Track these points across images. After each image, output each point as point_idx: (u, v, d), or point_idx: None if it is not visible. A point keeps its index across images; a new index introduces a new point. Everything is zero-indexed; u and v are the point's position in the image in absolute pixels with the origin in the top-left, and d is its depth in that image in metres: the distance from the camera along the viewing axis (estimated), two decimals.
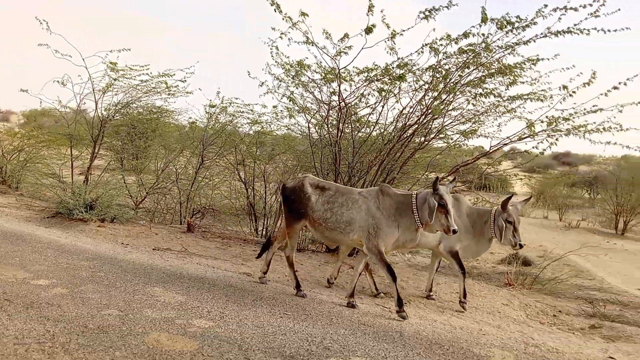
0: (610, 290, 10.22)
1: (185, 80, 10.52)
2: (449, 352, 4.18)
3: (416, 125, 7.80)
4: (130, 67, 10.28)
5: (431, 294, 6.30)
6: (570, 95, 6.47)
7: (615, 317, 7.25)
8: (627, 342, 5.45)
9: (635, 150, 6.69)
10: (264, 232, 10.16)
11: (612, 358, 4.66)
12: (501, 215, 5.74)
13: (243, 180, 10.62)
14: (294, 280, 5.66)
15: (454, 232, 4.88)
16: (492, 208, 5.99)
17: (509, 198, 5.77)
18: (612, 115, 6.37)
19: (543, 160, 41.33)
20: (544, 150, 6.76)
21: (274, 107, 9.16)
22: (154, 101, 11.49)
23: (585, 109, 6.48)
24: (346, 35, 7.07)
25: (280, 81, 7.90)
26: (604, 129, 6.38)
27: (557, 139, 6.65)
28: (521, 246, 5.68)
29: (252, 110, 10.14)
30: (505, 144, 7.30)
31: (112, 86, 10.48)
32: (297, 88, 7.94)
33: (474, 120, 7.83)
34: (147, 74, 10.41)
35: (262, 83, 7.90)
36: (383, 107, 8.01)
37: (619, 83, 6.22)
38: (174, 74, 10.44)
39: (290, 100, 7.79)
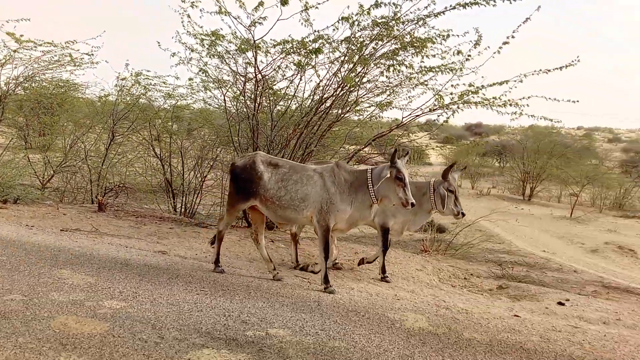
0: (517, 252, 10.90)
1: (92, 54, 9.94)
2: (365, 318, 4.28)
3: (333, 98, 7.82)
4: (33, 42, 9.57)
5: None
6: (467, 59, 6.70)
7: (521, 278, 7.74)
8: (530, 301, 5.83)
9: (540, 120, 7.07)
10: (182, 210, 9.92)
11: (517, 316, 4.97)
12: (442, 185, 5.75)
13: (159, 156, 10.27)
14: (215, 255, 5.54)
15: (412, 205, 4.84)
16: (430, 180, 6.03)
17: (450, 167, 5.78)
18: (514, 85, 6.67)
19: (456, 131, 43.09)
20: (447, 119, 7.01)
21: (190, 79, 8.86)
22: (60, 74, 10.80)
23: (492, 82, 6.75)
24: (261, 4, 6.91)
25: (193, 51, 7.63)
26: (508, 101, 6.69)
27: (457, 110, 6.90)
28: (463, 215, 5.69)
29: (164, 82, 9.76)
30: (417, 115, 7.49)
31: (12, 59, 9.73)
32: (211, 59, 7.71)
33: (388, 92, 7.96)
34: (49, 43, 9.73)
35: (174, 54, 7.60)
36: (300, 79, 7.97)
37: (507, 37, 6.53)
38: (78, 46, 9.83)
39: (203, 73, 7.56)
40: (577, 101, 7.05)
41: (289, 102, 8.34)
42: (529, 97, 6.69)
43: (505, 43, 6.63)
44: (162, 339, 3.50)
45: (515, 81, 6.72)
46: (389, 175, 4.85)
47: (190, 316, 3.95)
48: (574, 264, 10.33)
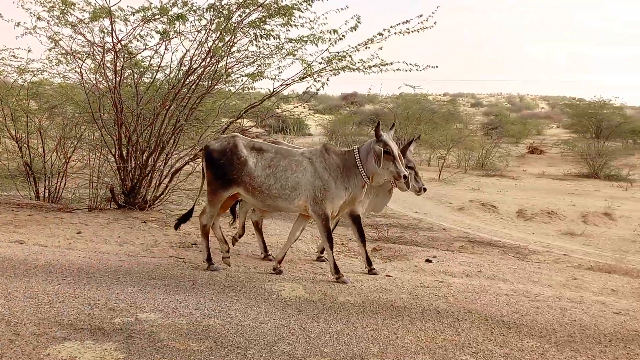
0: (392, 215, 11.42)
1: None
2: (242, 293, 4.23)
3: (202, 69, 7.53)
4: None
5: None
6: (340, 39, 6.77)
7: (396, 239, 8.12)
8: (401, 260, 6.12)
9: (410, 87, 7.35)
10: (46, 194, 9.13)
11: (388, 275, 5.19)
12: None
13: (15, 138, 9.29)
14: (205, 252, 5.03)
15: (405, 177, 4.63)
16: None
17: (410, 143, 5.45)
18: (378, 47, 6.83)
19: (333, 101, 44.02)
20: (318, 90, 7.07)
21: (50, 50, 8.02)
22: None
23: (356, 47, 6.85)
24: None
25: (39, 20, 6.90)
26: (375, 65, 6.86)
27: (327, 80, 6.98)
28: (425, 190, 5.35)
29: (14, 56, 8.77)
30: (288, 84, 7.46)
31: None
32: (62, 28, 7.04)
33: (259, 63, 7.81)
34: None
35: (18, 23, 6.84)
36: (166, 49, 7.55)
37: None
38: None
39: (53, 43, 6.90)
40: (437, 66, 7.41)
41: (155, 73, 7.91)
42: (391, 63, 6.90)
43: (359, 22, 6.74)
44: (17, 335, 3.21)
45: (379, 40, 6.85)
46: (377, 149, 4.59)
47: (50, 309, 3.65)
48: (443, 223, 11.05)
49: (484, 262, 6.18)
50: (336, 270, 4.80)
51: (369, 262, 5.29)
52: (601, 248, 9.10)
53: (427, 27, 6.74)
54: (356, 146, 4.88)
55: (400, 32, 6.78)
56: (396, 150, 4.63)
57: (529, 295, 4.63)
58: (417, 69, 7.16)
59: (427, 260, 5.95)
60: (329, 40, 6.88)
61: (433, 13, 6.67)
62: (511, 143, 24.94)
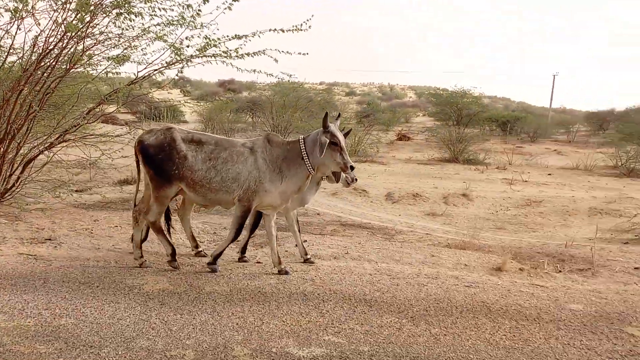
0: None
1: None
2: (99, 288, 3.99)
3: (58, 50, 6.93)
4: None
5: (308, 257, 5.32)
6: (198, 13, 6.56)
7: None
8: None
9: (285, 75, 7.31)
10: None
11: (259, 262, 5.18)
12: None
13: None
14: (169, 248, 4.73)
15: (352, 168, 4.53)
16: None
17: (347, 134, 5.19)
18: (248, 39, 6.75)
19: (210, 88, 43.06)
20: (181, 69, 6.84)
21: None
22: None
23: (228, 36, 6.71)
24: None
25: None
26: (247, 54, 6.75)
27: (187, 63, 6.77)
28: (356, 180, 5.24)
29: None
30: (156, 70, 7.12)
31: None
32: None
33: (125, 45, 7.36)
34: None
35: None
36: (19, 28, 6.84)
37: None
38: None
39: None
40: (307, 53, 7.47)
41: (6, 56, 7.14)
42: (264, 51, 6.85)
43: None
44: None
45: (252, 35, 6.78)
46: (323, 139, 4.46)
47: None
48: (317, 208, 11.28)
49: (352, 244, 6.39)
50: (215, 260, 4.72)
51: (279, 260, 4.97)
52: (459, 226, 9.82)
53: (301, 30, 6.77)
54: (301, 136, 4.75)
55: (274, 30, 6.77)
56: (343, 141, 4.55)
57: (390, 273, 4.87)
58: (289, 54, 7.16)
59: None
60: (200, 26, 6.66)
61: (308, 20, 6.72)
62: (382, 130, 26.04)
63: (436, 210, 11.36)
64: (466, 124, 26.60)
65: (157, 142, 4.58)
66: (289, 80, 7.92)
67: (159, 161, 4.54)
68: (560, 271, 5.82)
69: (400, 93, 66.54)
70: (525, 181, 15.28)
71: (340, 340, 3.33)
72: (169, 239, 4.83)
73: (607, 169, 18.95)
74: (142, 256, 4.81)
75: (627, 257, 6.44)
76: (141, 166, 4.71)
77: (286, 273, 4.70)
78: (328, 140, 4.47)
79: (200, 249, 5.36)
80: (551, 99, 43.92)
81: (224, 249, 4.78)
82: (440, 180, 15.61)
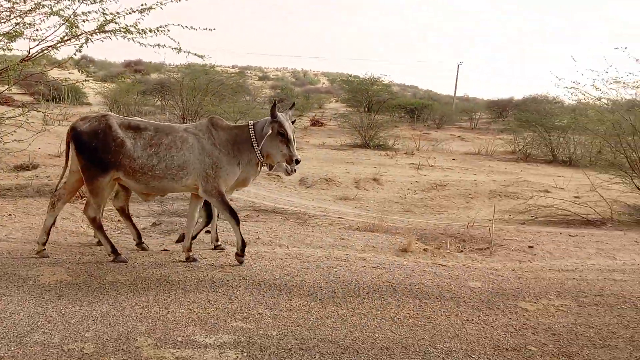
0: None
1: None
2: None
3: None
4: None
5: (219, 243, 5.27)
6: None
7: (181, 212, 7.91)
8: (176, 234, 5.97)
9: (192, 55, 7.05)
10: None
11: (166, 250, 5.03)
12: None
13: None
14: (107, 245, 4.50)
15: (297, 161, 4.44)
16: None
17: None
18: (146, 14, 6.44)
19: (116, 68, 41.06)
20: (76, 52, 6.43)
21: None
22: None
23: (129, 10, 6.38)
24: None
25: None
26: (150, 30, 6.45)
27: (85, 41, 6.38)
28: (295, 171, 4.82)
29: None
30: (50, 47, 6.65)
31: None
32: None
33: (17, 20, 6.81)
34: None
35: None
36: None
37: None
38: None
39: None
40: (214, 29, 7.28)
41: None
42: (167, 26, 6.57)
43: None
44: None
45: (150, 9, 6.46)
46: (270, 131, 4.40)
47: None
48: (232, 194, 11.14)
49: (264, 229, 6.36)
50: (242, 248, 4.59)
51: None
52: (369, 210, 10.07)
53: None
54: (251, 121, 4.64)
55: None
56: (291, 133, 4.47)
57: (300, 257, 4.91)
58: (194, 29, 6.93)
59: (207, 232, 5.92)
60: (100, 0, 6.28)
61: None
62: (296, 116, 26.09)
63: (348, 194, 11.57)
64: (377, 110, 27.22)
65: (90, 129, 4.33)
66: (202, 63, 7.71)
67: (93, 149, 4.29)
68: (461, 251, 6.11)
69: (314, 79, 66.90)
70: (432, 166, 15.92)
71: (249, 326, 3.31)
72: (108, 237, 4.60)
73: (506, 154, 20.16)
74: (45, 244, 4.51)
75: (522, 236, 6.88)
76: (71, 155, 4.44)
77: (194, 260, 4.59)
78: (270, 131, 4.43)
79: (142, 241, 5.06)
80: (455, 88, 46.16)
81: (241, 235, 4.60)
82: (352, 165, 15.89)
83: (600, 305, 4.13)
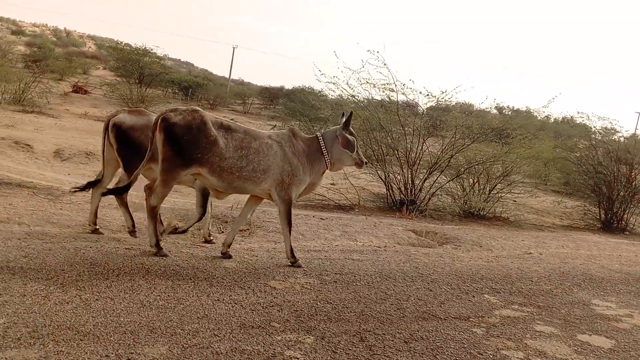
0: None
1: None
2: None
3: None
4: None
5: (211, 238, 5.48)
6: None
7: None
8: None
9: None
10: None
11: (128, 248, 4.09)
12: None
13: None
14: (154, 237, 4.57)
15: (365, 164, 5.16)
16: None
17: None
18: None
19: None
20: None
21: None
22: None
23: None
24: None
25: None
26: None
27: None
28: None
29: None
30: None
31: None
32: None
33: None
34: None
35: None
36: None
37: None
38: None
39: None
40: None
41: None
42: None
43: None
44: None
45: None
46: (352, 139, 4.97)
47: None
48: None
49: (1, 204, 5.60)
50: (292, 254, 4.91)
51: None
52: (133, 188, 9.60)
53: None
54: (319, 133, 5.03)
55: None
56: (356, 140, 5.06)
57: (43, 237, 4.45)
58: None
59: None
60: None
61: None
62: (54, 79, 23.44)
63: None
64: (148, 83, 26.05)
65: (185, 122, 4.38)
66: None
67: (184, 143, 4.34)
68: (222, 232, 6.22)
69: (79, 41, 61.03)
70: None
71: None
72: (157, 230, 4.65)
73: None
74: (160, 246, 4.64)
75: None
76: (158, 145, 4.41)
77: (299, 267, 4.88)
78: (354, 139, 4.99)
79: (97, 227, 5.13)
80: (230, 70, 46.52)
81: (290, 243, 4.93)
82: None
83: (339, 282, 4.60)
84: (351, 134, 5.01)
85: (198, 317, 3.40)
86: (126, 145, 4.90)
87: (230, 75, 46.11)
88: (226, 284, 4.09)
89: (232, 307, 3.67)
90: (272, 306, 3.81)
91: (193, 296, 3.74)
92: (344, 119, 5.06)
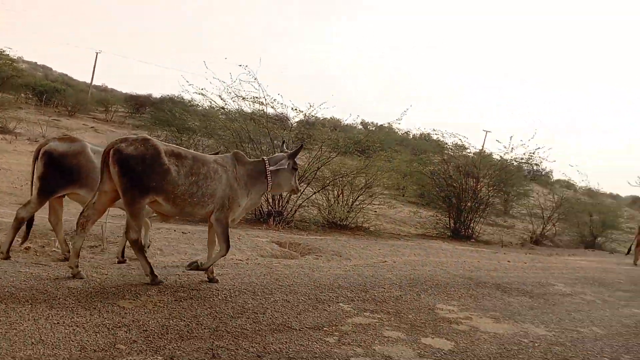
0: None
1: None
2: None
3: None
4: None
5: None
6: None
7: None
8: None
9: None
10: None
11: None
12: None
13: None
14: (147, 266, 4.67)
15: (300, 191, 5.98)
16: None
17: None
18: None
19: None
20: None
21: None
22: None
23: None
24: None
25: None
26: None
27: None
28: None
29: None
30: None
31: None
32: None
33: None
34: None
35: None
36: None
37: None
38: None
39: None
40: None
41: None
42: None
43: None
44: None
45: None
46: (286, 167, 5.15)
47: None
48: None
49: None
50: (211, 272, 5.08)
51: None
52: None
53: None
54: (264, 157, 5.23)
55: None
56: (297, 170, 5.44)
57: None
58: None
59: None
60: None
61: None
62: None
63: None
64: None
65: (138, 152, 4.37)
66: None
67: (139, 173, 4.35)
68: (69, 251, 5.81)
69: None
70: None
71: None
72: (147, 259, 4.73)
73: None
74: (77, 266, 4.54)
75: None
76: (114, 178, 4.38)
77: (216, 281, 5.05)
78: (286, 167, 5.17)
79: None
80: (92, 76, 43.84)
81: (213, 263, 5.08)
82: None
83: (195, 298, 4.49)
84: (295, 163, 5.31)
85: (32, 343, 3.13)
86: (54, 172, 4.93)
87: (92, 81, 43.44)
88: (69, 305, 3.82)
89: (73, 329, 3.43)
90: (119, 327, 3.61)
91: (29, 320, 3.44)
92: (284, 147, 5.63)
